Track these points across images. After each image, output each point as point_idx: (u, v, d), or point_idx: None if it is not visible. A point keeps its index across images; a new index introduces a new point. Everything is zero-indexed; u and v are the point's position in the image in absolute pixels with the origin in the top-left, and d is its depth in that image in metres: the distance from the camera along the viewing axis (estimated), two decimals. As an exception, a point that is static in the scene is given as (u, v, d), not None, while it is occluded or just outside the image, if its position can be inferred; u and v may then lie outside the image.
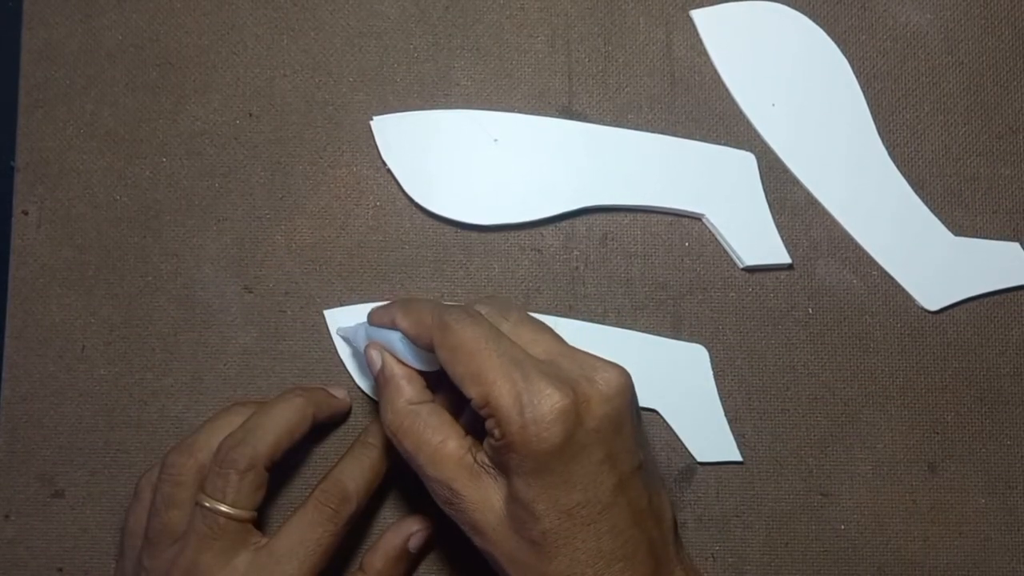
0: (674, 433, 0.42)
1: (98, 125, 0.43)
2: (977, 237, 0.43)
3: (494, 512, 0.34)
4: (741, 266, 0.43)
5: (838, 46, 0.44)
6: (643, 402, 0.42)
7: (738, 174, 0.43)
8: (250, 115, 0.43)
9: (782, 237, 0.43)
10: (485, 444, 0.34)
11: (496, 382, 0.33)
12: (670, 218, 0.43)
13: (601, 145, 0.43)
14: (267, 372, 0.42)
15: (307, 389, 0.41)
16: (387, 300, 0.42)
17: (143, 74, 0.43)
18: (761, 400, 0.42)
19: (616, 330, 0.42)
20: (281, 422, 0.38)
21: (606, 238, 0.43)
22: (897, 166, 0.43)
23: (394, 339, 0.37)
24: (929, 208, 0.43)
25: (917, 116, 0.44)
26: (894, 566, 0.42)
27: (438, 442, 0.35)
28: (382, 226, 0.43)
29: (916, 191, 0.43)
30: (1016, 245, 0.43)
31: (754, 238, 0.43)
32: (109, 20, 0.44)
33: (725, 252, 0.43)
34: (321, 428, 0.41)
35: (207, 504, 0.36)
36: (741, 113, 0.43)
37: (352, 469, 0.38)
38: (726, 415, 0.42)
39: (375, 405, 0.42)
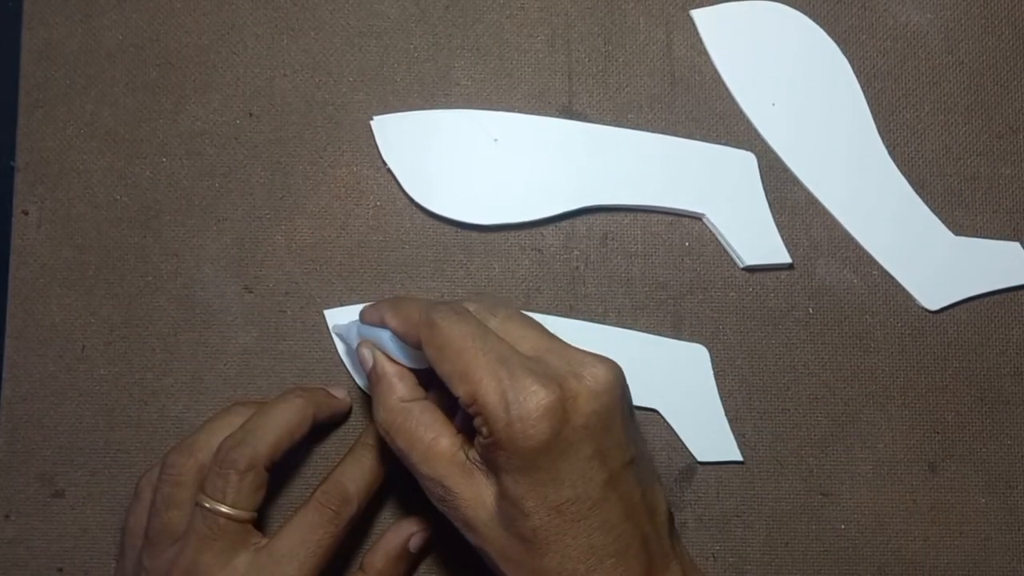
0: (674, 433, 0.42)
1: (98, 125, 0.43)
2: (977, 237, 0.43)
3: (486, 509, 0.34)
4: (741, 266, 0.43)
5: (838, 46, 0.44)
6: (643, 402, 0.42)
7: (738, 174, 0.43)
8: (250, 115, 0.43)
9: (782, 237, 0.43)
10: (475, 442, 0.34)
11: (482, 380, 0.33)
12: (670, 218, 0.43)
13: (601, 145, 0.43)
14: (267, 372, 0.42)
15: (307, 389, 0.41)
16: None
17: (143, 74, 0.43)
18: (761, 400, 0.42)
19: (616, 330, 0.42)
20: (281, 422, 0.38)
21: (606, 238, 0.43)
22: (897, 166, 0.43)
23: (384, 337, 0.37)
24: (929, 208, 0.43)
25: (917, 116, 0.44)
26: (894, 566, 0.42)
27: (430, 439, 0.35)
28: (382, 226, 0.43)
29: (916, 191, 0.43)
30: (1016, 245, 0.43)
31: (754, 238, 0.43)
32: (109, 20, 0.44)
33: (725, 252, 0.43)
34: (321, 428, 0.41)
35: (207, 504, 0.36)
36: (741, 113, 0.43)
37: (353, 470, 0.38)
38: (726, 415, 0.42)
39: (375, 405, 0.42)
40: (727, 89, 0.44)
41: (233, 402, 0.41)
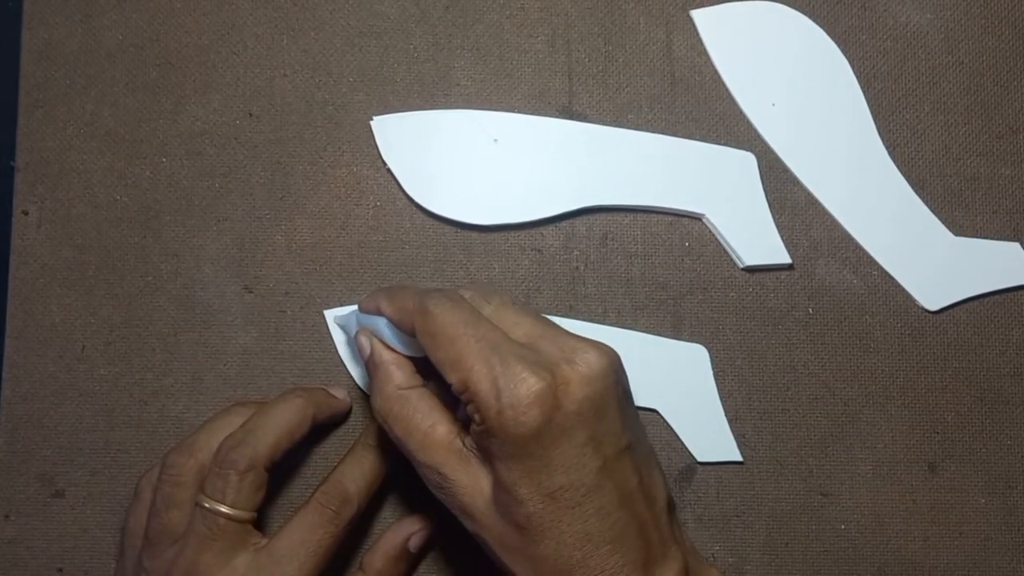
0: (674, 433, 0.42)
1: (98, 125, 0.43)
2: (977, 237, 0.43)
3: (483, 496, 0.34)
4: (741, 266, 0.43)
5: (838, 46, 0.44)
6: (643, 402, 0.42)
7: (738, 174, 0.43)
8: (250, 115, 0.43)
9: (782, 237, 0.43)
10: (470, 429, 0.34)
11: (474, 367, 0.33)
12: (670, 218, 0.43)
13: (601, 145, 0.43)
14: (267, 372, 0.42)
15: (307, 389, 0.41)
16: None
17: (143, 74, 0.43)
18: (761, 400, 0.42)
19: (616, 330, 0.42)
20: (281, 423, 0.38)
21: (606, 238, 0.43)
22: (897, 166, 0.43)
23: (381, 325, 0.37)
24: (929, 208, 0.43)
25: (917, 116, 0.44)
26: (894, 566, 0.42)
27: (427, 427, 0.35)
28: (382, 226, 0.43)
29: (916, 191, 0.43)
30: (1016, 245, 0.43)
31: (754, 238, 0.43)
32: (109, 20, 0.44)
33: (725, 252, 0.43)
34: (321, 428, 0.41)
35: (207, 505, 0.36)
36: (741, 113, 0.43)
37: (353, 471, 0.38)
38: (726, 415, 0.42)
39: (375, 405, 0.42)
40: (727, 89, 0.44)
41: (233, 402, 0.41)
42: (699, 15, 0.44)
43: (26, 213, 0.43)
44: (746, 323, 0.43)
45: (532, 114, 0.43)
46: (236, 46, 0.44)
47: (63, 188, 0.43)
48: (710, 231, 0.43)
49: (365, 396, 0.42)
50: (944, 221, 0.43)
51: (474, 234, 0.43)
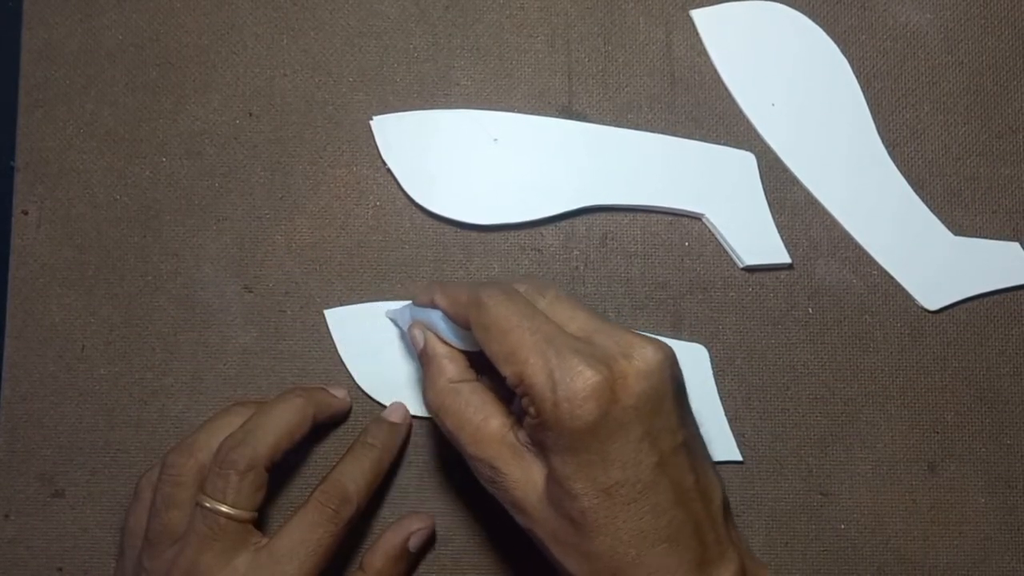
0: (674, 433, 0.42)
1: (98, 125, 0.43)
2: (977, 237, 0.43)
3: (536, 490, 0.34)
4: (741, 266, 0.43)
5: (838, 46, 0.44)
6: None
7: (738, 174, 0.43)
8: (250, 115, 0.43)
9: (782, 237, 0.43)
10: (524, 422, 0.34)
11: (529, 360, 0.32)
12: (670, 218, 0.43)
13: (601, 145, 0.43)
14: (267, 372, 0.42)
15: (307, 389, 0.41)
16: (387, 300, 0.42)
17: (143, 74, 0.43)
18: (761, 400, 0.42)
19: (616, 330, 0.42)
20: (281, 423, 0.38)
21: (606, 238, 0.43)
22: (897, 166, 0.43)
23: (436, 319, 0.37)
24: (929, 208, 0.43)
25: (917, 116, 0.44)
26: (894, 566, 0.42)
27: (480, 420, 0.35)
28: (382, 226, 0.43)
29: (916, 191, 0.43)
30: (1016, 245, 0.43)
31: (754, 238, 0.43)
32: (109, 20, 0.44)
33: (725, 252, 0.43)
34: (321, 428, 0.41)
35: (207, 504, 0.36)
36: (741, 113, 0.43)
37: (352, 470, 0.38)
38: (726, 415, 0.42)
39: (375, 405, 0.42)
40: (727, 89, 0.44)
41: (233, 402, 0.41)
42: (699, 15, 0.44)
43: (26, 213, 0.43)
44: (746, 323, 0.43)
45: (532, 114, 0.43)
46: (236, 46, 0.44)
47: (63, 188, 0.43)
48: (710, 231, 0.43)
49: (365, 396, 0.42)
50: (944, 221, 0.43)
51: (474, 234, 0.43)
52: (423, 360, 0.37)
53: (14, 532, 0.41)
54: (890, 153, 0.43)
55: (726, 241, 0.43)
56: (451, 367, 0.36)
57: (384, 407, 0.42)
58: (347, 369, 0.42)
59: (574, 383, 0.32)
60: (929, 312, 0.43)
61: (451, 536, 0.42)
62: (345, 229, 0.43)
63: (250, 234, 0.43)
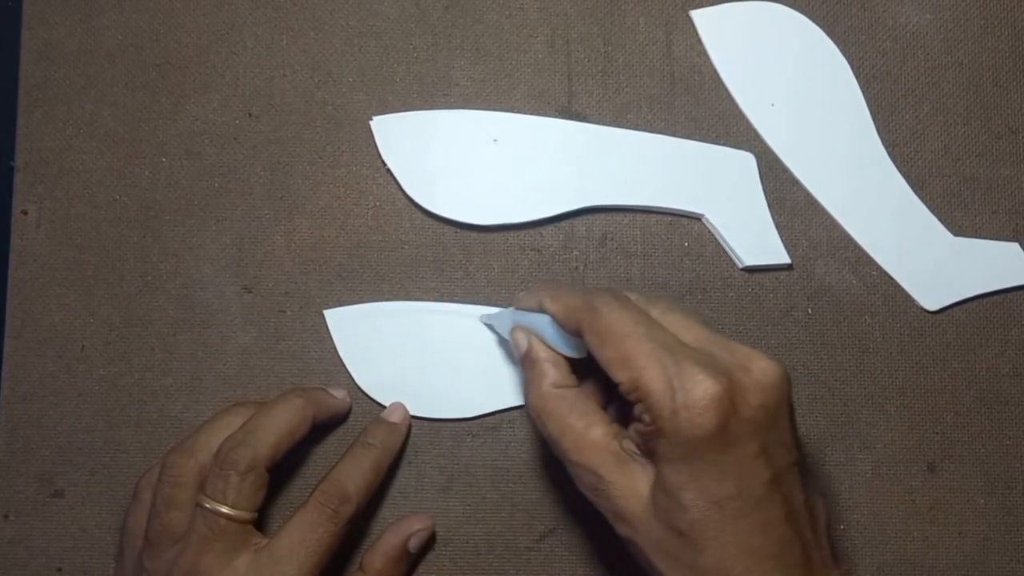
0: (674, 433, 0.42)
1: (98, 125, 0.43)
2: (977, 237, 0.43)
3: (640, 500, 0.33)
4: (741, 266, 0.43)
5: (838, 46, 0.44)
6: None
7: (738, 174, 0.43)
8: (250, 115, 0.43)
9: (782, 237, 0.43)
10: (631, 430, 0.33)
11: (646, 366, 0.32)
12: (670, 218, 0.43)
13: (601, 145, 0.43)
14: (267, 372, 0.42)
15: (307, 389, 0.41)
16: (387, 300, 0.42)
17: (143, 74, 0.43)
18: (761, 400, 0.42)
19: (616, 330, 0.42)
20: (281, 423, 0.38)
21: (606, 238, 0.43)
22: (897, 166, 0.43)
23: (544, 323, 0.36)
24: (929, 208, 0.43)
25: (917, 116, 0.44)
26: (894, 566, 0.42)
27: (583, 427, 0.34)
28: (382, 226, 0.43)
29: (916, 191, 0.43)
30: (1016, 245, 0.43)
31: (754, 238, 0.43)
32: (109, 20, 0.44)
33: (725, 252, 0.43)
34: (321, 428, 0.41)
35: (207, 505, 0.36)
36: (741, 113, 0.43)
37: (352, 469, 0.38)
38: (726, 415, 0.42)
39: (375, 405, 0.42)
40: (727, 89, 0.44)
41: (233, 402, 0.41)
42: (699, 15, 0.44)
43: (26, 213, 0.43)
44: (745, 323, 0.43)
45: (532, 114, 0.43)
46: (236, 46, 0.44)
47: (63, 188, 0.43)
48: (710, 231, 0.43)
49: (365, 396, 0.42)
50: (943, 221, 0.43)
51: (474, 234, 0.43)
52: (525, 364, 0.36)
53: (14, 532, 0.41)
54: (890, 153, 0.43)
55: (726, 241, 0.43)
56: (554, 372, 0.36)
57: (384, 407, 0.42)
58: (347, 369, 0.42)
59: (694, 391, 0.31)
60: (929, 312, 0.43)
61: (451, 536, 0.42)
62: (345, 229, 0.43)
63: (250, 234, 0.43)
